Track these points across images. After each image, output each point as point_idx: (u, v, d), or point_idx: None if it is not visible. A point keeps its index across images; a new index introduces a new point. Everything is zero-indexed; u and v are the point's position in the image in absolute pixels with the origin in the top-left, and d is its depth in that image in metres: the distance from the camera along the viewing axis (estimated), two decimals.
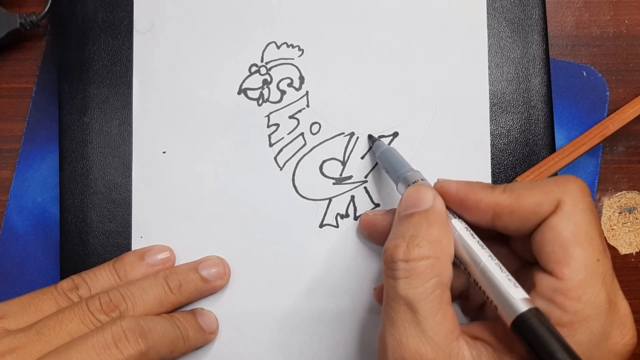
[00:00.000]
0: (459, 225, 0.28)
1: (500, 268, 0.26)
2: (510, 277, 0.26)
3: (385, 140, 0.36)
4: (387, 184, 0.36)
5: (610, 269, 0.26)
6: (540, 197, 0.26)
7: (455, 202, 0.28)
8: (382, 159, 0.34)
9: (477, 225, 0.28)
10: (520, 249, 0.29)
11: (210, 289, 0.35)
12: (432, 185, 0.29)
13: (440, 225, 0.28)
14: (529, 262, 0.29)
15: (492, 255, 0.27)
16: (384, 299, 0.28)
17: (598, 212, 0.39)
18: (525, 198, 0.27)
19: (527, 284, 0.27)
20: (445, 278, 0.27)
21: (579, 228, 0.26)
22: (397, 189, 0.32)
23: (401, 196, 0.30)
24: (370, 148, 0.36)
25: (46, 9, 0.37)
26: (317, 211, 0.36)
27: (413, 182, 0.30)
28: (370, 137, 0.36)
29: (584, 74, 0.39)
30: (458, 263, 0.28)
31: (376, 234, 0.34)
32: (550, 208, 0.26)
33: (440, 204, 0.28)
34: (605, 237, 0.26)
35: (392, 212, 0.33)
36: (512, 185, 0.27)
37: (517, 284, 0.26)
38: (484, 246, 0.27)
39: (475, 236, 0.28)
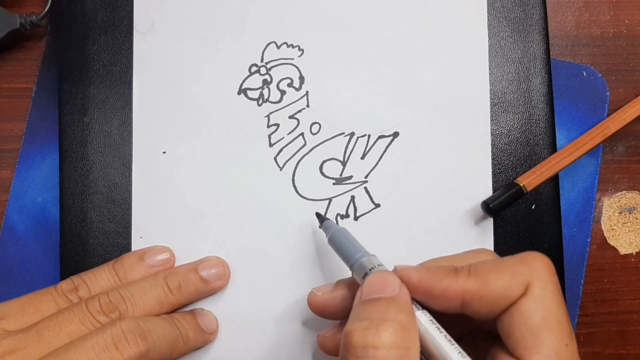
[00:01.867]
0: (423, 318, 0.26)
1: None
2: None
3: (386, 140, 0.36)
4: (388, 184, 0.36)
5: (576, 352, 0.25)
6: (507, 280, 0.25)
7: (419, 292, 0.26)
8: (333, 241, 0.32)
9: (445, 312, 0.27)
10: (481, 321, 0.28)
11: (210, 290, 0.35)
12: (391, 270, 0.27)
13: (408, 314, 0.25)
14: (486, 330, 0.28)
15: (463, 352, 0.25)
16: None
17: (598, 212, 0.39)
18: (493, 282, 0.25)
19: None
20: None
21: (549, 312, 0.25)
22: (353, 275, 0.30)
23: (360, 283, 0.28)
24: (370, 148, 0.36)
25: (46, 9, 0.37)
26: (317, 211, 0.36)
27: (370, 269, 0.28)
28: (318, 215, 0.35)
29: (584, 74, 0.39)
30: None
31: (329, 314, 0.31)
32: (519, 291, 0.25)
33: (405, 294, 0.26)
34: (570, 321, 0.26)
35: (343, 287, 0.31)
36: (477, 267, 0.26)
37: None
38: (453, 341, 0.26)
39: (442, 330, 0.26)
